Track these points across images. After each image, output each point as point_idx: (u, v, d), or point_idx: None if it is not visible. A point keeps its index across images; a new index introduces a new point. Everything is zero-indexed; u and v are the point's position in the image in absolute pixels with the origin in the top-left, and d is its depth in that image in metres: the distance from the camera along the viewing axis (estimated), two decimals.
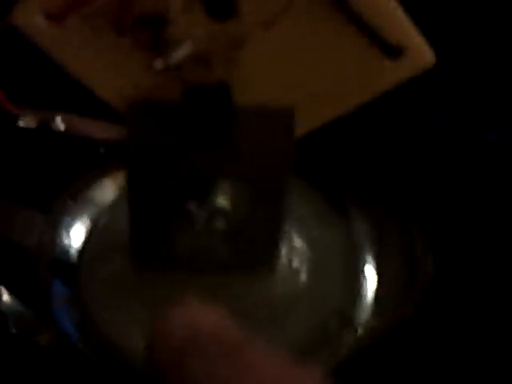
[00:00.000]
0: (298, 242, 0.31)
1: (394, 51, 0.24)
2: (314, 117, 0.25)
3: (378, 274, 0.31)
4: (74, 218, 0.32)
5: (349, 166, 0.34)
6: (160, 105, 0.25)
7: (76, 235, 0.32)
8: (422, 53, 0.24)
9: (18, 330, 0.30)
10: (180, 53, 0.23)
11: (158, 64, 0.23)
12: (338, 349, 0.30)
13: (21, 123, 0.33)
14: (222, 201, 0.26)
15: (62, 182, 0.33)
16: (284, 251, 0.30)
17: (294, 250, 0.31)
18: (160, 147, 0.25)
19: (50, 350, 0.30)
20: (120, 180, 0.32)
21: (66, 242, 0.32)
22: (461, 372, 0.30)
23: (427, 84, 0.38)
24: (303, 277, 0.31)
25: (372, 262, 0.31)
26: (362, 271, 0.31)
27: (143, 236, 0.28)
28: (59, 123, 0.33)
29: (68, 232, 0.32)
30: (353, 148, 0.35)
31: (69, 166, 0.33)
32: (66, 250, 0.31)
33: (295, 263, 0.31)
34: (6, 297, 0.31)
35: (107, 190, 0.33)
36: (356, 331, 0.30)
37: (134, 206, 0.27)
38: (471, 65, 0.39)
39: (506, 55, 0.39)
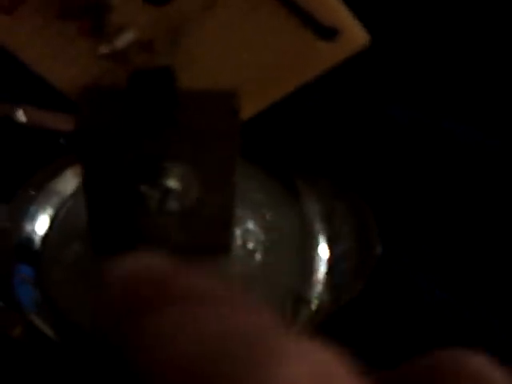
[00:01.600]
0: (251, 224, 0.32)
1: (327, 33, 0.25)
2: (256, 99, 0.26)
3: (330, 252, 0.32)
4: (36, 207, 0.33)
5: (299, 148, 0.36)
6: (109, 90, 0.26)
7: (39, 224, 0.33)
8: (355, 34, 0.25)
9: None
10: (123, 39, 0.24)
11: (103, 50, 0.24)
12: (294, 326, 0.31)
13: None
14: (173, 182, 0.27)
15: (24, 173, 0.34)
16: (238, 234, 0.31)
17: (249, 233, 0.32)
18: (110, 132, 0.26)
19: (22, 342, 0.31)
20: (80, 170, 0.33)
21: (28, 229, 0.33)
22: (411, 345, 0.31)
23: (378, 73, 0.39)
24: (258, 258, 0.31)
25: (324, 241, 0.32)
26: (315, 250, 0.32)
27: (100, 221, 0.29)
28: (20, 116, 0.34)
29: (31, 220, 0.33)
30: (304, 131, 0.36)
31: (30, 157, 0.34)
32: (28, 238, 0.32)
33: (250, 245, 0.32)
34: None
35: (68, 180, 0.34)
36: (310, 308, 0.31)
37: (88, 191, 0.28)
38: (430, 55, 0.40)
39: (465, 47, 0.40)
